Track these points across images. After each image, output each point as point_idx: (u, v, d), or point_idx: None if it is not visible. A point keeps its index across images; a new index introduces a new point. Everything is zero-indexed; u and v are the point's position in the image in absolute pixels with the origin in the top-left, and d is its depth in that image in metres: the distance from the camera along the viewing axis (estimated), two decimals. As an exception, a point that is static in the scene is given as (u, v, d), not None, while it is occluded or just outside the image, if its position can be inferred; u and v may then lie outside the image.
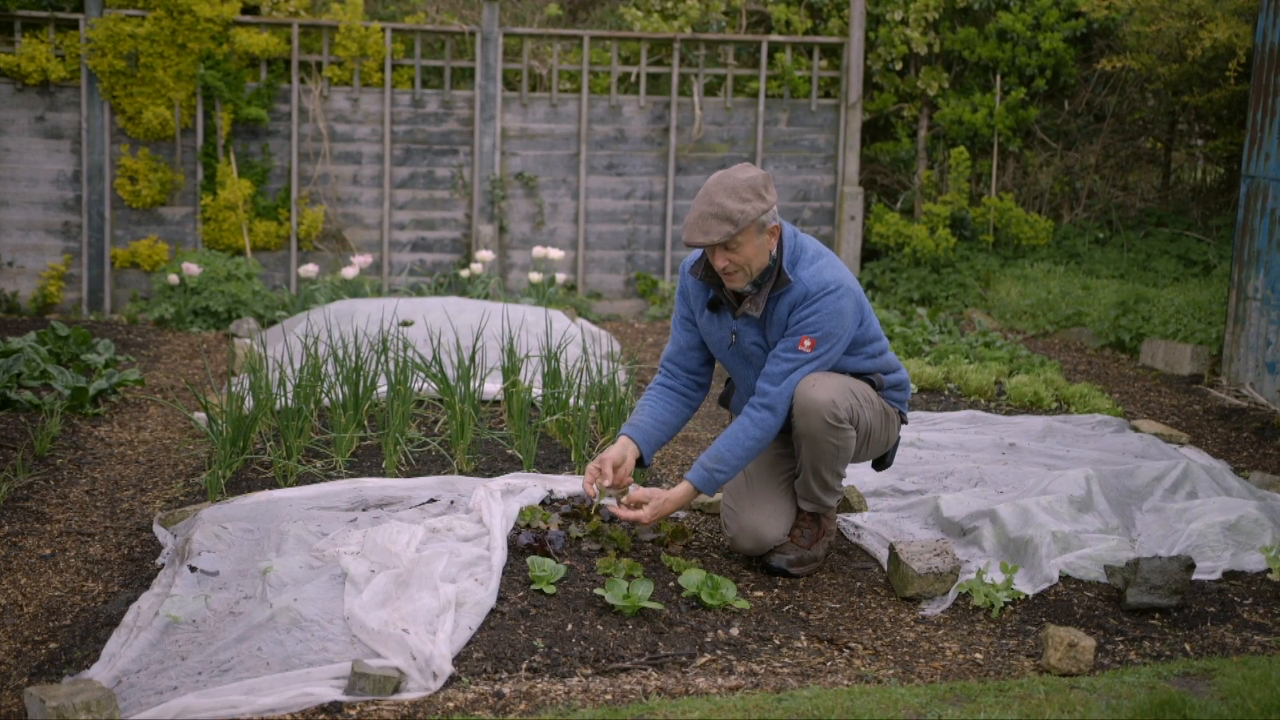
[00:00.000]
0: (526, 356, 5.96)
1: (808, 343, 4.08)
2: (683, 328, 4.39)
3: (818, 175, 9.95)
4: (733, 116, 9.80)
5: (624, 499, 4.15)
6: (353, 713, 3.24)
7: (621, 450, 4.22)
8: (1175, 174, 11.04)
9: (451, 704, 3.30)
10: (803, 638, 3.82)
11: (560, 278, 9.35)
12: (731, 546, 4.33)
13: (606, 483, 4.17)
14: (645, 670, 3.54)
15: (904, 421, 4.46)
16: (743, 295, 4.18)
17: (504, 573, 3.96)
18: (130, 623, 3.69)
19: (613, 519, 4.36)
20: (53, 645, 3.71)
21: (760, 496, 4.27)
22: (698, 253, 4.26)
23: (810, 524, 4.32)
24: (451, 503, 4.46)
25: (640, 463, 4.28)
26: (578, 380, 5.53)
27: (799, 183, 9.90)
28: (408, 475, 4.95)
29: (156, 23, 8.99)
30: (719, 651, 3.67)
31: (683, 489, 4.14)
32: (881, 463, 4.53)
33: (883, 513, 4.86)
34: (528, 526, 4.25)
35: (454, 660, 3.48)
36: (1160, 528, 4.61)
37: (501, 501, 4.35)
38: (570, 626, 3.72)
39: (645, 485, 4.97)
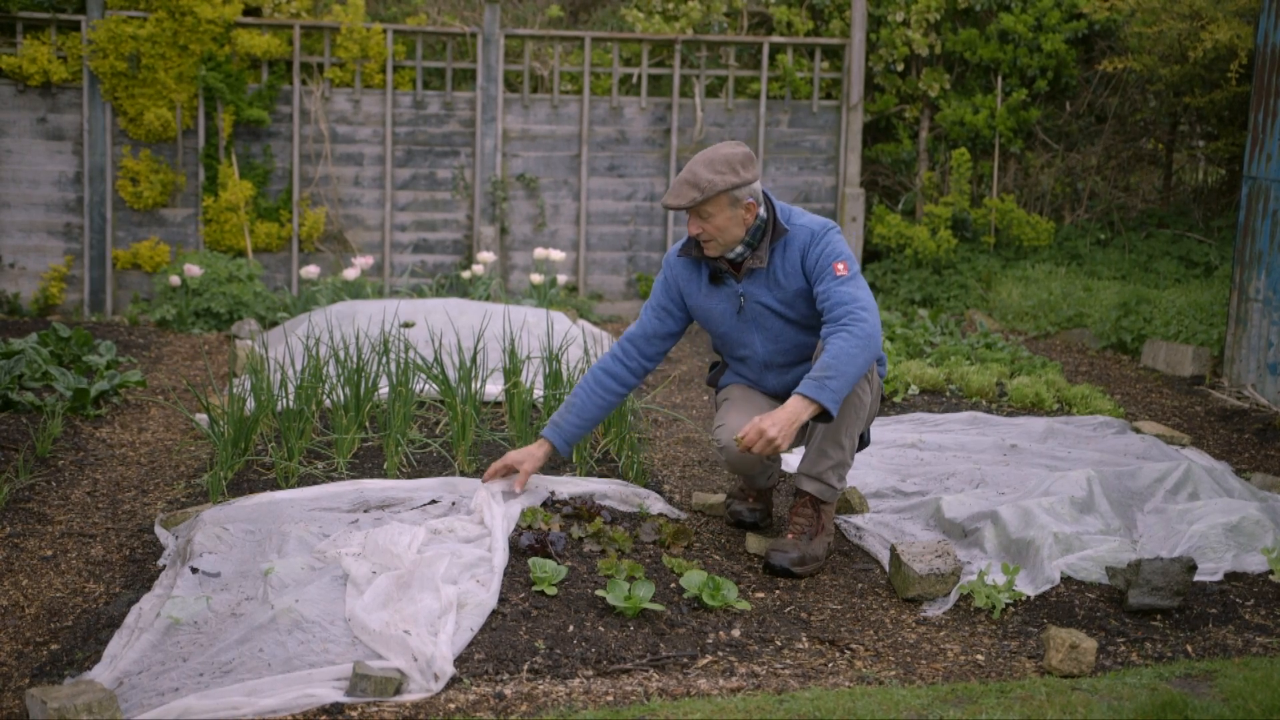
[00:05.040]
0: (528, 358, 5.96)
1: (841, 266, 4.21)
2: (656, 315, 4.50)
3: (819, 176, 9.95)
4: (734, 118, 9.80)
5: (738, 437, 4.07)
6: (354, 714, 3.24)
7: (530, 453, 4.43)
8: (1177, 175, 11.04)
9: (453, 705, 3.30)
10: (804, 639, 3.82)
11: (561, 279, 9.35)
12: (724, 454, 4.34)
13: (518, 487, 4.39)
14: (647, 671, 3.54)
15: (882, 398, 4.62)
16: (740, 262, 4.33)
17: (505, 574, 3.96)
18: (131, 624, 3.69)
19: (614, 520, 4.36)
20: (54, 646, 3.71)
21: (749, 409, 4.35)
22: (682, 242, 4.46)
23: (811, 511, 4.32)
24: (453, 504, 4.46)
25: (553, 453, 4.49)
26: (579, 381, 5.53)
27: (800, 184, 9.90)
28: (409, 476, 4.95)
29: (158, 24, 9.00)
30: (720, 653, 3.67)
31: (794, 402, 4.02)
32: (861, 441, 4.57)
33: (884, 514, 4.86)
34: (529, 528, 4.25)
35: (455, 661, 3.48)
36: (1162, 529, 4.61)
37: (503, 503, 4.34)
38: (571, 628, 3.72)
39: (646, 486, 4.97)
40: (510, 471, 4.44)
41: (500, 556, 3.98)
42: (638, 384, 4.58)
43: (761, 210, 4.29)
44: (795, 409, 4.02)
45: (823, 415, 4.09)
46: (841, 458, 4.28)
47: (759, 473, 4.49)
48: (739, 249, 4.29)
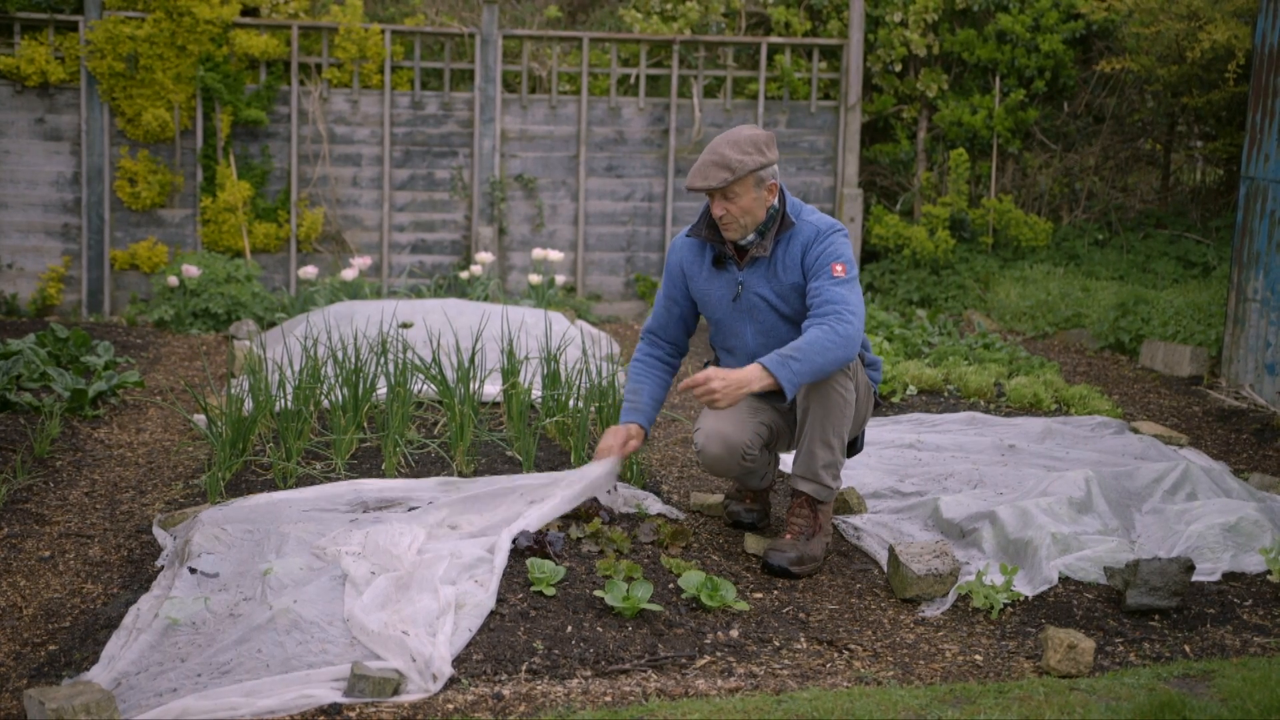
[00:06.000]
0: (526, 358, 5.96)
1: (839, 268, 4.23)
2: (666, 306, 4.56)
3: (817, 177, 9.95)
4: (732, 118, 9.80)
5: (694, 376, 4.12)
6: (352, 714, 3.24)
7: (628, 431, 4.43)
8: (1174, 175, 11.05)
9: (451, 706, 3.30)
10: (802, 639, 3.82)
11: (560, 279, 9.35)
12: (700, 457, 4.37)
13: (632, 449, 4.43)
14: (645, 672, 3.54)
15: (877, 403, 4.61)
16: (746, 249, 4.35)
17: (504, 574, 3.95)
18: (130, 624, 3.69)
19: (612, 520, 4.36)
20: (52, 647, 3.71)
21: (729, 412, 4.35)
22: (692, 224, 4.48)
23: (808, 511, 4.32)
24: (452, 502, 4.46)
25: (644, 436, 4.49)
26: (577, 382, 5.54)
27: (798, 184, 9.90)
28: (407, 477, 4.95)
29: (156, 24, 9.00)
30: (719, 653, 3.67)
31: (752, 368, 4.06)
32: (853, 446, 4.57)
33: (882, 514, 4.86)
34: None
35: (454, 662, 3.48)
36: (1160, 529, 4.61)
37: (523, 505, 4.35)
38: (570, 628, 3.72)
39: (644, 487, 4.97)
40: (625, 441, 4.45)
41: (500, 557, 3.98)
42: (680, 361, 4.65)
43: (775, 200, 4.32)
44: (749, 374, 4.04)
45: (778, 394, 4.13)
46: (832, 457, 4.28)
47: (742, 475, 4.47)
48: (751, 235, 4.31)
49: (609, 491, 4.52)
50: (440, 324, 6.90)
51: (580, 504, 4.37)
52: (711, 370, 4.07)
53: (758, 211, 4.26)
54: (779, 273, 4.32)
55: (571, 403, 5.50)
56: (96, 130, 9.11)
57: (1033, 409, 6.63)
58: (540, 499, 4.34)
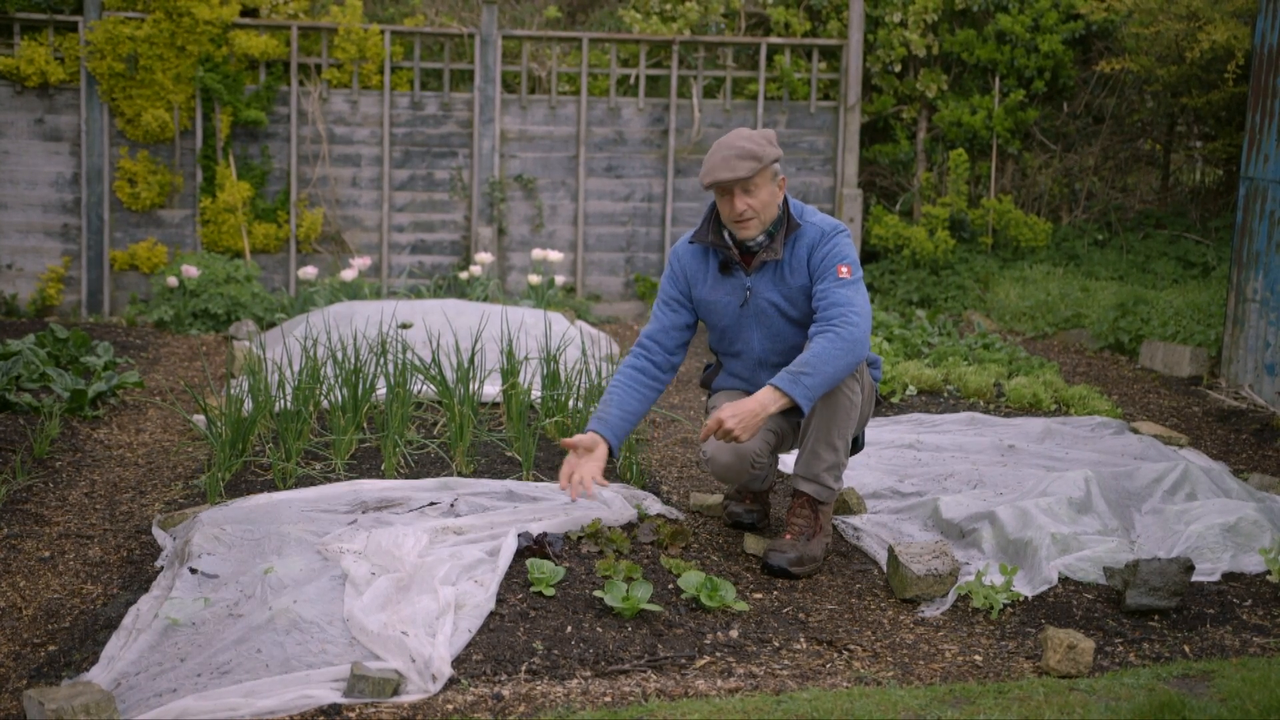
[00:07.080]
0: (525, 359, 5.96)
1: (844, 269, 4.23)
2: (670, 308, 4.46)
3: (817, 177, 9.95)
4: (732, 119, 9.80)
5: (707, 424, 4.05)
6: (352, 715, 3.24)
7: (592, 442, 4.22)
8: (1174, 176, 11.05)
9: (450, 706, 3.30)
10: (802, 640, 3.82)
11: (559, 280, 9.35)
12: (709, 465, 4.31)
13: (586, 489, 4.16)
14: (644, 672, 3.54)
15: (877, 402, 4.60)
16: (753, 252, 4.32)
17: (503, 575, 3.95)
18: (129, 625, 3.69)
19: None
20: (51, 648, 3.71)
21: None
22: (694, 230, 4.44)
23: (808, 512, 4.32)
24: (452, 505, 4.46)
25: (609, 454, 4.26)
26: (577, 382, 5.54)
27: (798, 185, 9.90)
28: (407, 477, 4.95)
29: (155, 25, 9.00)
30: (718, 653, 3.67)
31: (764, 393, 4.03)
32: (854, 445, 4.57)
33: (882, 515, 4.86)
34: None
35: (453, 662, 3.48)
36: (1159, 529, 4.61)
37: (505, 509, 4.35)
38: (569, 629, 3.72)
39: (644, 487, 4.97)
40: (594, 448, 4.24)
41: (500, 558, 3.98)
42: (669, 378, 4.50)
43: (782, 197, 4.33)
44: (763, 400, 4.02)
45: (794, 410, 4.10)
46: (835, 459, 4.28)
47: (748, 480, 4.46)
48: (760, 237, 4.30)
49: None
50: (440, 324, 6.90)
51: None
52: (722, 411, 4.02)
53: (773, 207, 4.27)
54: (786, 276, 4.31)
55: (571, 403, 5.50)
56: (96, 131, 9.11)
57: (1032, 409, 6.63)
58: (543, 517, 4.34)
